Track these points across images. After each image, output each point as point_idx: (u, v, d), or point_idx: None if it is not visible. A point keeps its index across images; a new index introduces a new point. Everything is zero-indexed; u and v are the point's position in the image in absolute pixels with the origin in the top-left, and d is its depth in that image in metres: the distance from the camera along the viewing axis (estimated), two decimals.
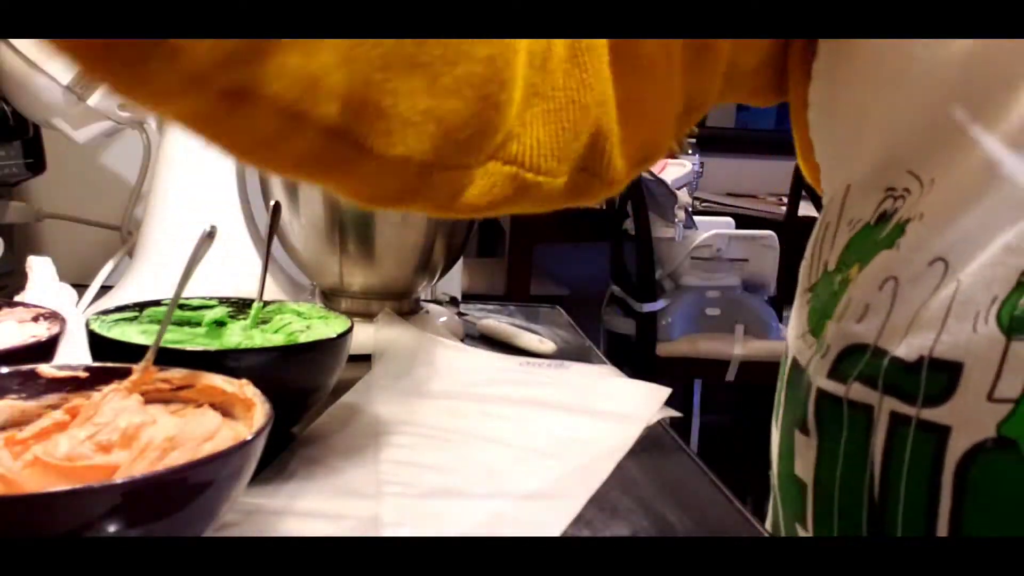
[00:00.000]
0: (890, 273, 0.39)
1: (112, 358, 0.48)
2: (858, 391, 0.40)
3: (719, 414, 2.64)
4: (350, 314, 0.65)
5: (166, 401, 0.46)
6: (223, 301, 0.64)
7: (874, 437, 0.39)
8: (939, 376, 0.36)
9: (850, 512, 0.41)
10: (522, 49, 0.37)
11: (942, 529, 0.36)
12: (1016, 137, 0.36)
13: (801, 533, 0.45)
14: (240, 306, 0.64)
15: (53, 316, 0.55)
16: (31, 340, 0.51)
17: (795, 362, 0.46)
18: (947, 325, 0.36)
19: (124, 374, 0.46)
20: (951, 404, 0.36)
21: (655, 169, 1.98)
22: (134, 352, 0.47)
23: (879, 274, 0.40)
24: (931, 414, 0.37)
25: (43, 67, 0.78)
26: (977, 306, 0.35)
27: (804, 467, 0.44)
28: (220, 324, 0.63)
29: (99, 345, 0.52)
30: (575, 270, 2.83)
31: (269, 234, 0.66)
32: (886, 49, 0.41)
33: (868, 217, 0.42)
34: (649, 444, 0.61)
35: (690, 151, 2.22)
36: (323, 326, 0.61)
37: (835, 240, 0.45)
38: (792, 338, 0.47)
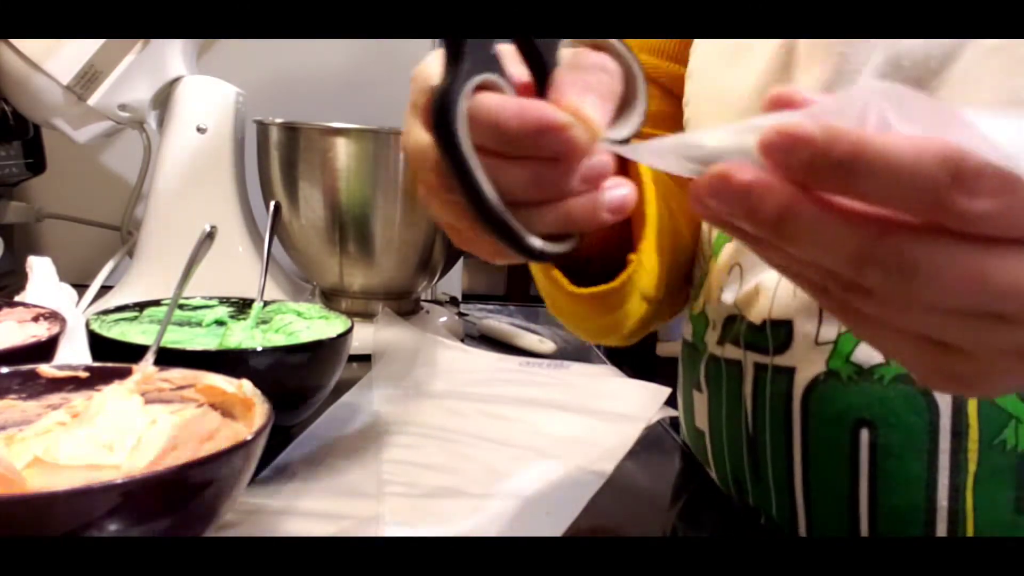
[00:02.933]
0: (734, 260, 0.50)
1: (112, 358, 0.48)
2: (730, 350, 0.51)
3: None
4: (350, 314, 0.65)
5: (166, 401, 0.46)
6: (223, 301, 0.64)
7: (744, 384, 0.49)
8: (779, 331, 0.47)
9: (734, 447, 0.51)
10: None
11: (796, 445, 0.47)
12: None
13: (711, 473, 0.56)
14: (240, 306, 0.64)
15: (53, 316, 0.55)
16: (31, 340, 0.50)
17: (685, 341, 0.58)
18: (776, 295, 0.47)
19: (124, 374, 0.46)
20: (791, 351, 0.46)
21: None
22: (134, 352, 0.47)
23: (728, 261, 0.51)
24: (780, 360, 0.47)
25: (43, 67, 0.78)
26: None
27: (701, 419, 0.55)
28: (220, 324, 0.63)
29: (99, 345, 0.52)
30: None
31: (269, 234, 0.66)
32: (705, 77, 0.53)
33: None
34: (649, 444, 0.61)
35: None
36: (323, 326, 0.61)
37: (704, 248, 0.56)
38: (684, 323, 0.59)
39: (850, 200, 0.25)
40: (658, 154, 0.28)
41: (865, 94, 0.24)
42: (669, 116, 0.62)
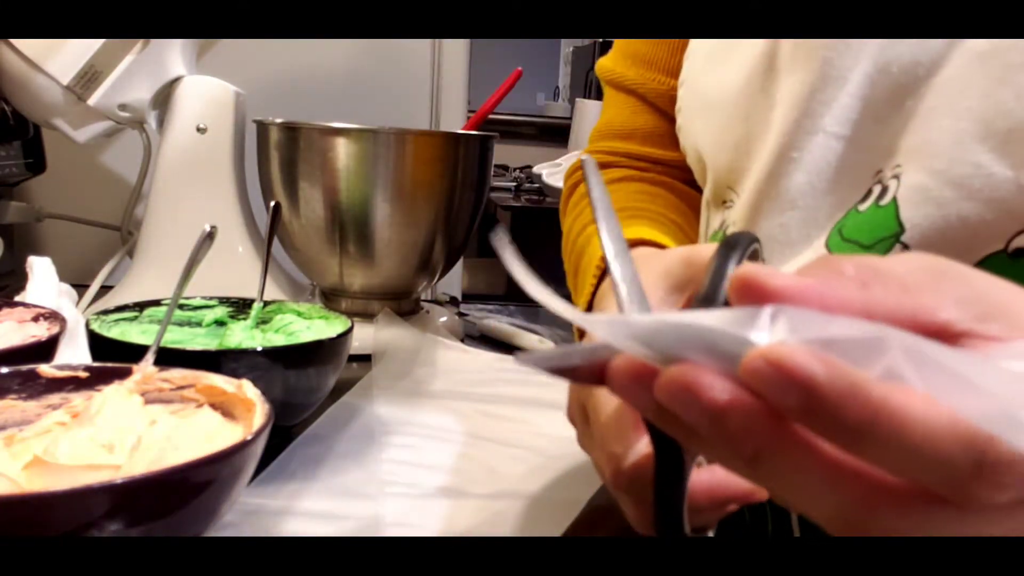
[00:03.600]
0: None
1: (112, 358, 0.48)
2: None
3: None
4: (350, 314, 0.65)
5: (166, 401, 0.46)
6: (223, 301, 0.64)
7: None
8: None
9: None
10: None
11: None
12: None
13: None
14: (240, 306, 0.64)
15: (53, 316, 0.55)
16: (31, 340, 0.50)
17: None
18: None
19: (124, 374, 0.46)
20: None
21: None
22: (134, 352, 0.47)
23: None
24: None
25: (43, 67, 0.78)
26: None
27: None
28: (220, 324, 0.63)
29: (99, 345, 0.52)
30: None
31: (269, 234, 0.66)
32: (694, 82, 0.53)
33: (716, 227, 0.53)
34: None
35: None
36: (323, 326, 0.61)
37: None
38: None
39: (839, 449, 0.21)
40: (607, 328, 0.22)
41: (877, 333, 0.20)
42: (667, 133, 0.61)
